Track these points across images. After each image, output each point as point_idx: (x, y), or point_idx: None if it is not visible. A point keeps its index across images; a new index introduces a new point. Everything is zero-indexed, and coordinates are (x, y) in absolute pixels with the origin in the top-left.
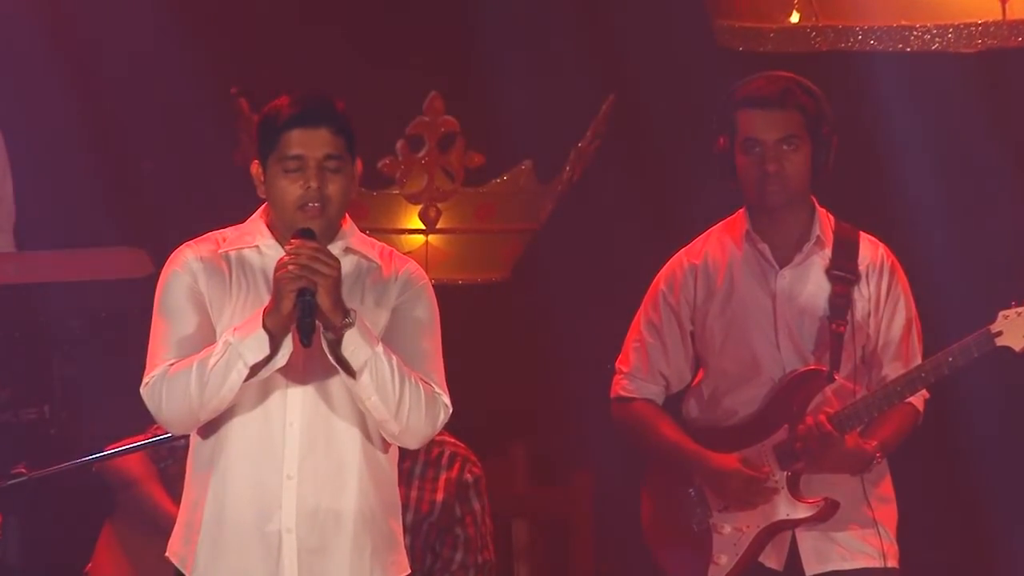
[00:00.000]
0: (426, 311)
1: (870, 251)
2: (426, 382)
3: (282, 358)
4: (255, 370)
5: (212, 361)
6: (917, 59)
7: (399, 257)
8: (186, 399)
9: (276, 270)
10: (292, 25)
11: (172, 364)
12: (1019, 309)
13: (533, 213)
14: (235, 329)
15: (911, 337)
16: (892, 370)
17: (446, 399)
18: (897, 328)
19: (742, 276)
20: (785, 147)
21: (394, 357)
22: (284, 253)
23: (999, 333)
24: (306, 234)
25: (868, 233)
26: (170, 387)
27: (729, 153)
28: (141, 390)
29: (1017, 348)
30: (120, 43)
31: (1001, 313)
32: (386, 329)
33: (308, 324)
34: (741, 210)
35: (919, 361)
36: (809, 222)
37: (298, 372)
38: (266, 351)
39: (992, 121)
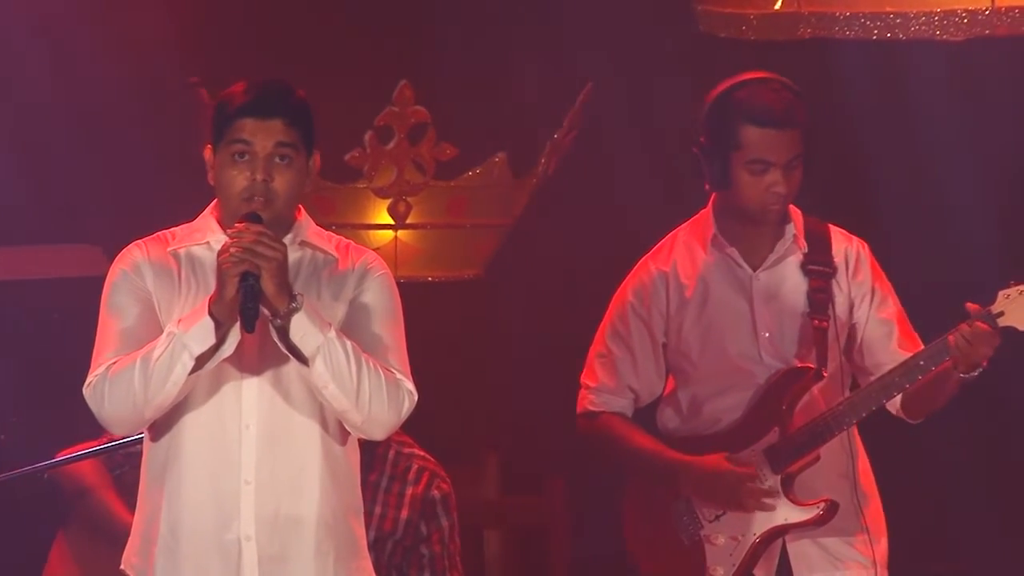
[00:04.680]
0: (384, 299)
1: (843, 243)
2: (387, 368)
3: (229, 347)
4: (201, 362)
5: (156, 354)
6: (897, 47)
7: (357, 249)
8: (130, 396)
9: (219, 254)
10: (257, 11)
11: (114, 361)
12: (1020, 287)
13: (507, 207)
14: (180, 320)
15: (907, 322)
16: (897, 358)
17: (410, 386)
18: (891, 315)
19: (716, 282)
20: (792, 167)
21: (349, 343)
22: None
23: (1000, 314)
24: (252, 218)
25: (838, 226)
26: (112, 384)
27: (718, 158)
28: (84, 390)
29: (1021, 327)
30: (74, 32)
31: (1001, 293)
32: (344, 321)
33: (251, 309)
34: (706, 211)
35: (921, 347)
36: (782, 222)
37: (253, 368)
38: (212, 340)
39: (973, 111)
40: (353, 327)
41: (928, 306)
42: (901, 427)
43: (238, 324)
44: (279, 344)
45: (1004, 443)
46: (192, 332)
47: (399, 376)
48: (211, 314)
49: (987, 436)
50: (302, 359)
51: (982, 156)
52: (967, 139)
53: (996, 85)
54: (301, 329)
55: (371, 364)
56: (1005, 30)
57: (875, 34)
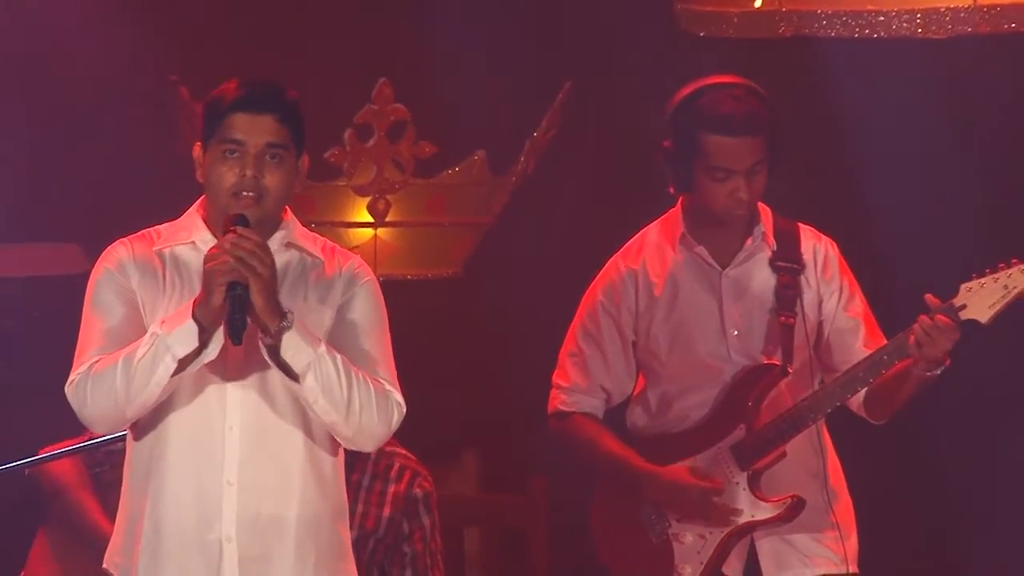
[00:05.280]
0: (371, 309)
1: (811, 240)
2: (376, 380)
3: (212, 351)
4: (184, 364)
5: (139, 354)
6: (881, 45)
7: (342, 253)
8: (111, 395)
9: (206, 261)
10: (236, 9)
11: (97, 360)
12: (982, 280)
13: (486, 206)
14: (163, 321)
15: (873, 321)
16: (862, 356)
17: (398, 397)
18: (858, 313)
19: (685, 280)
20: (754, 173)
21: (339, 356)
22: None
23: (963, 307)
24: (240, 221)
25: (810, 225)
26: (95, 383)
27: (682, 163)
28: (66, 388)
29: (984, 320)
30: (53, 29)
31: (963, 286)
32: (331, 328)
33: (239, 321)
34: (675, 210)
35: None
36: (751, 221)
37: (238, 370)
38: (195, 343)
39: (955, 109)
40: (341, 338)
41: (909, 305)
42: (870, 424)
43: (222, 329)
44: (270, 362)
45: (975, 441)
46: (175, 334)
47: (388, 388)
48: (195, 318)
49: (958, 433)
50: (292, 375)
51: (965, 153)
52: (950, 137)
53: (979, 83)
54: (292, 347)
55: (360, 377)
56: (987, 28)
57: (857, 32)
